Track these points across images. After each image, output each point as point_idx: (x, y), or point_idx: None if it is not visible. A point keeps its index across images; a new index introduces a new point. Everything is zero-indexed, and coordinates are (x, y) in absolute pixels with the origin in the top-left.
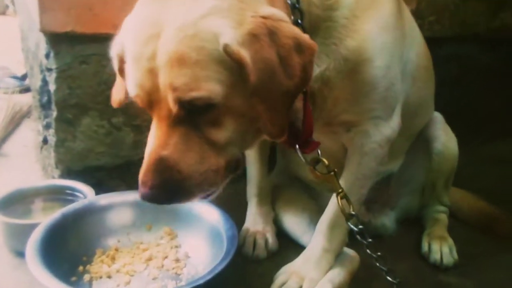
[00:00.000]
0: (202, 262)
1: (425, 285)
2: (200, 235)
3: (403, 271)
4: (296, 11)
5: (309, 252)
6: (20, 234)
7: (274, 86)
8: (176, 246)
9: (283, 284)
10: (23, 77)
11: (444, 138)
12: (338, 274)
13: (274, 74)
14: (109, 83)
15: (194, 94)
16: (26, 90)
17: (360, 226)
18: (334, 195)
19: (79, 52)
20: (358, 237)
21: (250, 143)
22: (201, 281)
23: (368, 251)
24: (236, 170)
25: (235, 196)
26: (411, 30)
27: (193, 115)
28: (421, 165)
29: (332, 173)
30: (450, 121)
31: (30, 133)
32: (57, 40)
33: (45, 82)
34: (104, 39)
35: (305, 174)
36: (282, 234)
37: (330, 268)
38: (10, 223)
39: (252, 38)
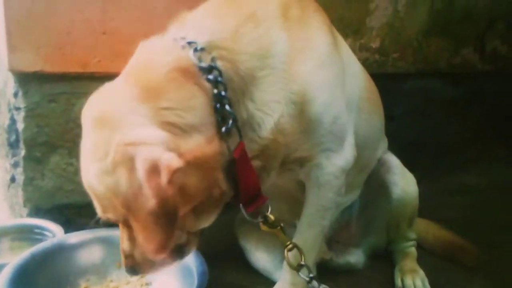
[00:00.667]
0: None
1: None
2: (170, 271)
3: None
4: (215, 71)
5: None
6: None
7: (139, 208)
8: (147, 284)
9: None
10: None
11: (403, 183)
12: None
13: (136, 197)
14: (77, 121)
15: (104, 215)
16: None
17: (311, 275)
18: (297, 230)
19: (48, 91)
20: (310, 285)
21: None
22: None
23: None
24: (182, 253)
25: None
26: (350, 64)
27: (127, 223)
28: (382, 207)
29: (279, 227)
30: (414, 152)
31: None
32: (26, 80)
33: (13, 120)
34: (73, 78)
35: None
36: (252, 270)
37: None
38: None
39: (113, 166)
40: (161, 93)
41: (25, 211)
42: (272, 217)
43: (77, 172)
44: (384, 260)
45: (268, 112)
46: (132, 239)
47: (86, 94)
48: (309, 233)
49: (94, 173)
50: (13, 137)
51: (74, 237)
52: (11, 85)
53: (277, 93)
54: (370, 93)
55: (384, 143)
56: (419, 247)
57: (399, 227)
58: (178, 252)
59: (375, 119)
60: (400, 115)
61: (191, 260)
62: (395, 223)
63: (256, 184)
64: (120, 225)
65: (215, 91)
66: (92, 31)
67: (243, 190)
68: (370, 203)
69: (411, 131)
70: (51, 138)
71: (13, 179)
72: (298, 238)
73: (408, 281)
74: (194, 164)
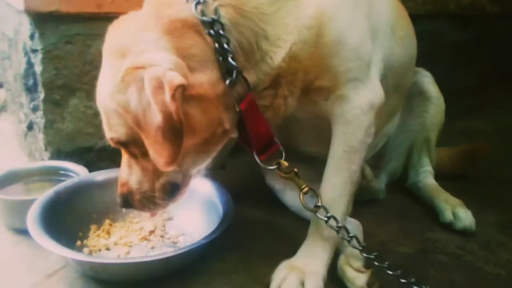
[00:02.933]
0: (197, 230)
1: (415, 242)
2: (192, 206)
3: (392, 232)
4: (217, 24)
5: (306, 244)
6: (18, 211)
7: (148, 123)
8: (169, 219)
9: (283, 280)
10: None
11: (437, 94)
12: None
13: (145, 113)
14: (94, 63)
15: (110, 135)
16: None
17: (329, 214)
18: (324, 175)
19: (64, 32)
20: (327, 224)
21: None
22: (204, 241)
23: (340, 235)
24: (174, 193)
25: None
26: None
27: (128, 148)
28: (410, 128)
29: (293, 173)
30: None
31: (9, 125)
32: (42, 20)
33: (30, 64)
34: (88, 19)
35: (303, 146)
36: (272, 206)
37: (330, 258)
38: (8, 199)
39: (124, 85)
40: (173, 34)
41: (46, 155)
42: (285, 163)
43: (96, 115)
44: (394, 191)
45: (281, 45)
46: (130, 166)
47: (101, 36)
48: (336, 179)
49: (107, 91)
50: (31, 81)
51: (97, 176)
52: (26, 28)
53: (290, 24)
54: (401, 10)
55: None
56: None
57: (429, 141)
58: (173, 191)
59: (411, 36)
60: None
61: (213, 192)
62: (426, 137)
63: (267, 133)
64: (123, 151)
65: (216, 45)
66: None
67: (254, 139)
68: (403, 124)
69: None
70: (69, 80)
71: (30, 127)
72: (325, 185)
73: (462, 214)
74: (197, 98)
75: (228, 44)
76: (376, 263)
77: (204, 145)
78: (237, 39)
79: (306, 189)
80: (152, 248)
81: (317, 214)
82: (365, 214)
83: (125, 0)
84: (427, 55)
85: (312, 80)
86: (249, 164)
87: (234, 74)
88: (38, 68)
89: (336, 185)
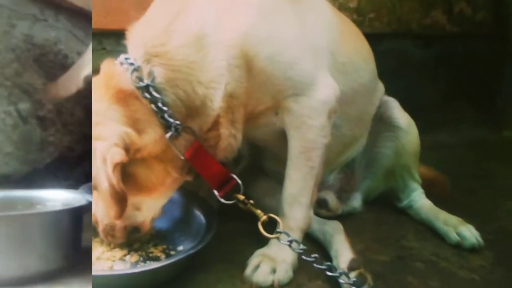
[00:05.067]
0: (180, 242)
1: (391, 250)
2: (174, 219)
3: (368, 240)
4: (151, 87)
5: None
6: None
7: (100, 185)
8: (151, 234)
9: (257, 267)
10: None
11: (405, 117)
12: (343, 241)
13: (97, 178)
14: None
15: None
16: None
17: (290, 239)
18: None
19: None
20: (290, 248)
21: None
22: (191, 251)
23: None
24: (137, 232)
25: None
26: (316, 8)
27: None
28: (381, 149)
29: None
30: None
31: None
32: None
33: None
34: None
35: (272, 165)
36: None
37: (300, 247)
38: None
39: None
40: (120, 103)
41: None
42: (241, 197)
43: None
44: (370, 205)
45: (215, 86)
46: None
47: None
48: (296, 175)
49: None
50: None
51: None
52: None
53: (220, 66)
54: (346, 36)
55: (380, 89)
56: None
57: (409, 167)
58: (133, 232)
59: (358, 62)
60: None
61: (199, 207)
62: (405, 164)
63: (220, 172)
64: None
65: (153, 106)
66: None
67: (208, 179)
68: (373, 144)
69: (385, 92)
70: None
71: None
72: (286, 182)
73: (466, 233)
74: (142, 159)
75: (163, 103)
76: (315, 265)
77: (159, 192)
78: (174, 92)
79: (264, 217)
80: (136, 262)
81: (280, 239)
82: (341, 223)
83: (104, 17)
84: (393, 73)
85: (253, 108)
86: None
87: (173, 129)
88: None
89: (297, 182)
